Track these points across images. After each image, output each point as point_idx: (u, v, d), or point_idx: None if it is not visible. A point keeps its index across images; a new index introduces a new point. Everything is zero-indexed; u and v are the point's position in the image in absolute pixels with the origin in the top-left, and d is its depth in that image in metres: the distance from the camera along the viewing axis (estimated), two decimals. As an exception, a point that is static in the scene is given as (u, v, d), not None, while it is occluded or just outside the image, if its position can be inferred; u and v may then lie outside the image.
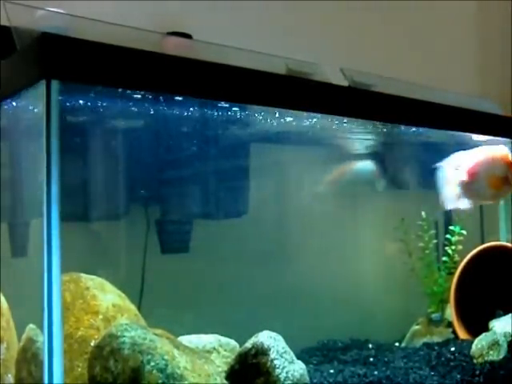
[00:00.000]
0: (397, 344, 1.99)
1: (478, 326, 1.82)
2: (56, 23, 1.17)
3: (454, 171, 1.76)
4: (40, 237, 0.99)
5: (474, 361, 1.63)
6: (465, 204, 1.76)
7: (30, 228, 1.52)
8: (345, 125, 1.68)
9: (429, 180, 2.15)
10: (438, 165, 1.77)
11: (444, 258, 2.03)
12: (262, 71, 1.26)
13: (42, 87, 0.99)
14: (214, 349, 1.44)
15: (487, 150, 1.77)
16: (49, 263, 0.98)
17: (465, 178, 1.74)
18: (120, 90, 1.20)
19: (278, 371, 1.26)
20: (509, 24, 2.65)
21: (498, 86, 2.50)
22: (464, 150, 1.79)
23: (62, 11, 1.20)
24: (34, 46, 1.01)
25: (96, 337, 1.26)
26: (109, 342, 1.15)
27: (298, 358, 1.35)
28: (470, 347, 1.67)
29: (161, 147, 1.74)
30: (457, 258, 2.00)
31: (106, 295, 1.36)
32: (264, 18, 2.09)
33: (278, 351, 1.28)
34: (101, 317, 1.31)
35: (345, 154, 2.14)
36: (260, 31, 2.05)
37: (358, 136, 1.92)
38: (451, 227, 2.04)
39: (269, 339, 1.29)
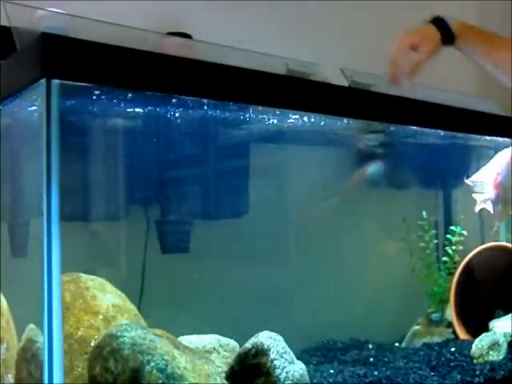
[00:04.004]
0: (397, 344, 1.99)
1: (478, 326, 1.82)
2: (56, 23, 1.17)
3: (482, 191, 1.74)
4: (40, 237, 0.99)
5: (474, 361, 1.62)
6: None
7: (29, 228, 1.52)
8: (344, 125, 1.69)
9: (428, 180, 2.15)
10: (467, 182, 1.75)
11: (444, 258, 2.02)
12: (262, 71, 1.26)
13: (42, 87, 0.99)
14: (214, 349, 1.44)
15: (503, 157, 1.74)
16: (49, 263, 0.98)
17: (492, 194, 1.72)
18: (120, 90, 1.20)
19: (278, 371, 1.26)
20: (509, 24, 2.64)
21: (498, 86, 2.50)
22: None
23: (61, 11, 1.20)
24: (34, 46, 1.01)
25: (96, 337, 1.26)
26: (109, 342, 1.15)
27: (298, 358, 1.35)
28: (470, 347, 1.67)
29: (160, 147, 1.74)
30: (457, 258, 2.00)
31: (105, 295, 1.36)
32: (264, 18, 2.09)
33: (278, 351, 1.28)
34: (101, 317, 1.31)
35: (345, 153, 2.14)
36: (260, 31, 2.05)
37: (359, 136, 1.92)
38: (452, 227, 2.04)
39: (269, 339, 1.29)
